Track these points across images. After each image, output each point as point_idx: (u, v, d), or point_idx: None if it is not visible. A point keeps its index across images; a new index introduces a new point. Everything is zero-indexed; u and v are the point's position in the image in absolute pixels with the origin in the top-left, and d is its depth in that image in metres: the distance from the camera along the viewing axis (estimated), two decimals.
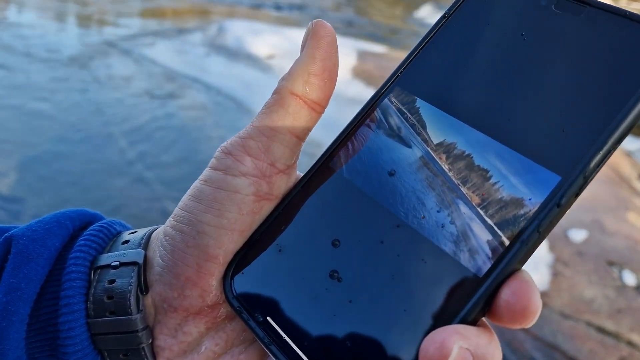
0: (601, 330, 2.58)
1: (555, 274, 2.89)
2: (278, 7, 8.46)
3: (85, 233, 0.40)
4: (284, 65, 5.63)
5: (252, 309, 0.35)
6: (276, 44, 6.06)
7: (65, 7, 7.07)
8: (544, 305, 2.68)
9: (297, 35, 6.46)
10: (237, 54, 5.74)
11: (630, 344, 2.52)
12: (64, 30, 6.21)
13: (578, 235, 3.23)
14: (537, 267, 2.91)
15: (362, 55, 5.80)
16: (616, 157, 4.78)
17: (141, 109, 4.37)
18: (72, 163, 3.47)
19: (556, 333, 2.54)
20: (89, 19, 6.84)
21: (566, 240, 3.19)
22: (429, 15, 10.56)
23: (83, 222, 0.42)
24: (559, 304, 2.70)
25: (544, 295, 2.73)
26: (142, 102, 4.49)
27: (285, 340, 0.33)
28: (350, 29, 7.81)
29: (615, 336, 2.55)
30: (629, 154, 4.96)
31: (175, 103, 4.55)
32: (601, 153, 0.30)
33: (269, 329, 0.34)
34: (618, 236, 3.31)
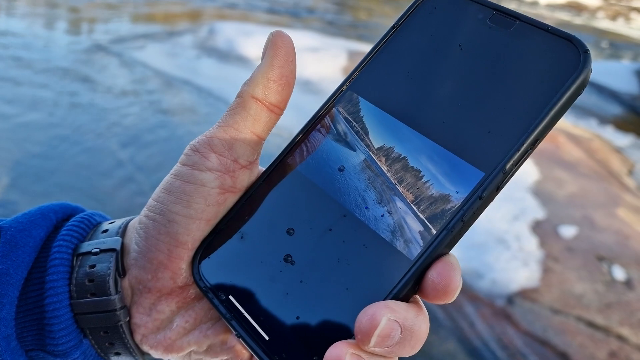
0: (591, 324, 2.60)
1: (546, 270, 2.91)
2: (270, 10, 8.47)
3: (67, 224, 0.44)
4: None
5: (216, 289, 0.39)
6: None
7: (55, 11, 7.05)
8: (534, 300, 2.70)
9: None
10: (228, 56, 5.74)
11: (619, 337, 2.54)
12: (53, 35, 6.20)
13: (568, 231, 3.25)
14: (528, 264, 2.93)
15: (352, 55, 5.82)
16: (606, 153, 4.81)
17: (132, 111, 4.36)
18: (64, 165, 3.46)
19: (546, 328, 2.55)
20: (78, 22, 6.82)
21: (556, 236, 3.21)
22: None
23: (65, 214, 0.46)
24: (549, 300, 2.71)
25: (534, 291, 2.75)
26: (132, 105, 4.48)
27: (244, 316, 0.38)
28: (339, 30, 7.82)
29: (605, 330, 2.57)
30: (618, 150, 5.00)
31: (166, 105, 4.55)
32: (519, 153, 0.34)
33: (230, 307, 0.38)
34: (608, 232, 3.34)
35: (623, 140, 5.28)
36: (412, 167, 0.37)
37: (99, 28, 6.62)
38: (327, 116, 0.42)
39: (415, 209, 0.36)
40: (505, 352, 2.42)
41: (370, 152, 0.39)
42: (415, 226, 0.35)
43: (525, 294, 2.74)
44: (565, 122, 5.51)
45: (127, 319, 0.42)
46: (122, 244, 0.43)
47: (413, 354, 0.35)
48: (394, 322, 0.32)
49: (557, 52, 0.35)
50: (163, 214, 0.40)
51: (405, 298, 0.35)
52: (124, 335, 0.42)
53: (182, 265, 0.41)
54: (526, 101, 0.35)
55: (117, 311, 0.41)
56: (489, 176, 0.34)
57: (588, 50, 0.35)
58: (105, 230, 0.44)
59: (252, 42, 6.12)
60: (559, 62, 0.35)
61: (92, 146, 3.75)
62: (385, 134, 0.39)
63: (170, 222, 0.40)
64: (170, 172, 0.41)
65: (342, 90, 0.43)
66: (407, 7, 0.43)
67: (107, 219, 0.48)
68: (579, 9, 13.16)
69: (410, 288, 0.34)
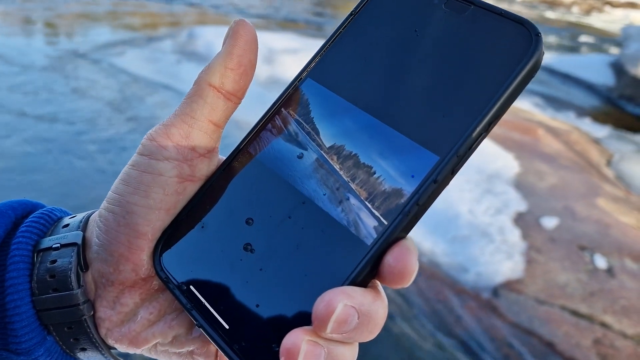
0: (575, 313, 2.64)
1: (529, 261, 2.94)
2: (251, 14, 8.45)
3: (27, 220, 0.43)
4: (256, 69, 5.61)
5: (177, 280, 0.39)
6: None
7: (32, 18, 6.96)
8: (519, 292, 2.73)
9: (268, 38, 6.46)
10: (208, 60, 5.67)
11: (603, 325, 2.57)
12: (31, 42, 6.12)
13: (550, 222, 3.30)
14: (512, 256, 2.96)
15: None
16: (585, 145, 4.88)
17: (112, 117, 4.33)
18: (44, 174, 3.43)
19: (532, 318, 2.58)
20: (56, 29, 6.75)
21: (538, 227, 3.25)
22: None
23: (25, 210, 0.45)
24: (533, 290, 2.75)
25: (519, 282, 2.78)
26: (113, 111, 4.45)
27: (205, 305, 0.38)
28: (321, 32, 7.83)
29: (589, 318, 2.61)
30: (597, 141, 5.07)
31: (147, 111, 4.53)
32: (472, 136, 0.34)
33: (191, 297, 0.38)
34: (588, 221, 3.39)
35: (601, 131, 5.36)
36: (370, 154, 0.37)
37: (77, 35, 6.56)
38: (286, 104, 0.42)
39: (372, 194, 0.36)
40: (492, 343, 2.44)
41: (327, 139, 0.39)
42: (371, 211, 0.36)
43: (510, 286, 2.77)
44: (544, 115, 5.58)
45: (91, 313, 0.41)
46: (84, 238, 0.42)
47: (371, 338, 0.35)
48: (351, 308, 0.32)
49: (509, 35, 0.36)
50: (121, 205, 0.39)
51: (363, 283, 0.35)
52: (88, 330, 0.41)
53: (143, 256, 0.40)
54: (479, 85, 0.35)
55: (80, 305, 0.40)
56: (443, 160, 0.34)
57: (540, 33, 0.35)
58: (66, 225, 0.44)
59: None
60: (511, 45, 0.35)
61: (71, 153, 3.71)
62: (343, 120, 0.39)
63: (129, 213, 0.39)
64: (128, 163, 0.41)
65: (300, 79, 0.43)
66: None
67: (68, 214, 0.47)
68: (554, 3, 13.33)
69: (367, 273, 0.34)
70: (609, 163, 4.65)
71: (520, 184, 3.73)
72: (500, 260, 2.93)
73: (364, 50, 0.40)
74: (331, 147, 0.39)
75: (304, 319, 0.34)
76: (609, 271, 2.94)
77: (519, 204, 3.45)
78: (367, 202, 0.36)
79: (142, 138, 0.41)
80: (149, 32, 6.96)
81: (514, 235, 3.13)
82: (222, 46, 0.41)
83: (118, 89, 4.93)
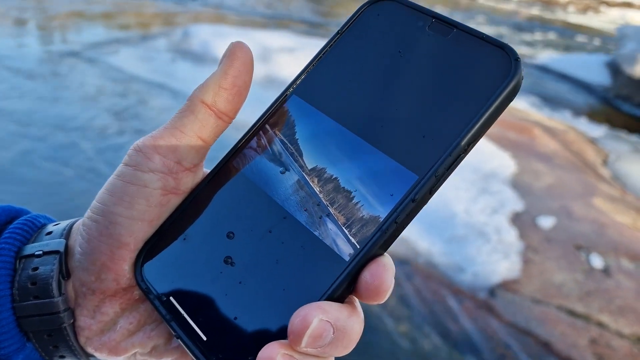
0: (572, 313, 2.64)
1: (526, 261, 2.95)
2: (246, 12, 8.44)
3: (10, 226, 0.43)
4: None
5: (157, 290, 0.40)
6: None
7: (26, 17, 6.94)
8: (516, 291, 2.73)
9: (264, 37, 6.45)
10: (203, 58, 5.70)
11: (600, 324, 2.58)
12: (25, 41, 6.10)
13: (546, 222, 3.30)
14: (508, 256, 2.96)
15: None
16: (581, 145, 4.89)
17: (107, 116, 4.32)
18: (38, 174, 3.41)
19: (528, 318, 2.58)
20: (51, 29, 6.72)
21: (535, 227, 3.25)
22: None
23: (9, 216, 0.45)
24: (530, 290, 2.75)
25: (515, 282, 2.78)
26: (107, 110, 4.43)
27: (183, 316, 0.38)
28: (317, 30, 7.83)
29: (586, 318, 2.61)
30: (593, 141, 5.08)
31: (142, 110, 4.51)
32: (451, 157, 0.35)
33: (171, 308, 0.39)
34: (585, 221, 3.39)
35: (597, 131, 5.37)
36: (352, 172, 0.38)
37: (71, 34, 6.54)
38: (271, 120, 0.43)
39: (352, 211, 0.37)
40: (489, 343, 2.44)
41: (310, 156, 0.40)
42: (350, 228, 0.36)
43: (506, 286, 2.77)
44: (540, 115, 5.59)
45: (71, 321, 0.41)
46: (67, 246, 0.42)
47: (346, 353, 0.35)
48: (326, 323, 0.33)
49: (490, 59, 0.37)
50: (105, 215, 0.40)
51: (340, 299, 0.35)
52: (68, 338, 0.41)
53: (125, 266, 0.40)
54: (460, 107, 0.36)
55: (61, 313, 0.41)
56: (421, 180, 0.35)
57: (519, 58, 0.36)
58: (50, 232, 0.44)
59: (227, 44, 6.06)
60: (491, 69, 0.36)
61: (66, 153, 3.70)
62: (326, 138, 0.40)
63: (112, 223, 0.39)
64: (114, 173, 0.41)
65: (286, 95, 0.43)
66: (352, 14, 0.44)
67: (52, 221, 0.47)
68: (550, 3, 13.37)
69: (344, 289, 0.35)
70: (605, 163, 4.66)
71: (516, 184, 3.73)
72: (497, 260, 2.93)
73: (349, 69, 0.41)
74: (313, 169, 0.39)
75: (280, 332, 0.35)
76: (605, 271, 2.95)
77: (516, 204, 3.45)
78: (346, 220, 0.37)
79: (135, 138, 0.40)
80: (143, 31, 6.94)
81: (511, 235, 3.13)
82: (218, 66, 0.42)
83: (112, 88, 4.91)
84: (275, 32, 7.13)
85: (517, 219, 3.29)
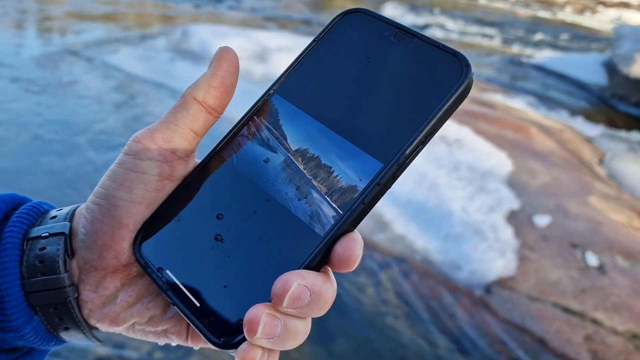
0: (567, 310, 2.66)
1: (522, 259, 2.97)
2: (244, 11, 8.44)
3: (17, 212, 0.48)
4: (250, 67, 5.62)
5: (155, 265, 0.45)
6: (241, 46, 6.04)
7: (25, 17, 6.94)
8: (512, 289, 2.75)
9: (262, 37, 6.46)
10: (202, 58, 5.71)
11: (595, 322, 2.60)
12: (24, 41, 6.10)
13: (542, 220, 3.32)
14: (504, 253, 2.98)
15: None
16: (577, 144, 4.91)
17: (106, 116, 4.33)
18: (39, 174, 3.42)
19: (524, 315, 2.60)
20: (50, 28, 6.73)
21: (531, 225, 3.27)
22: (393, 12, 10.65)
23: (14, 203, 0.49)
24: (525, 288, 2.77)
25: (511, 279, 2.80)
26: (106, 109, 4.44)
27: (179, 287, 0.43)
28: (311, 28, 7.84)
29: (581, 315, 2.63)
30: (589, 140, 5.11)
31: (141, 109, 4.52)
32: (410, 148, 0.41)
33: (167, 279, 0.44)
34: (580, 219, 3.41)
35: (593, 130, 5.40)
36: (326, 160, 0.44)
37: (70, 33, 6.54)
38: (255, 115, 0.48)
39: (326, 194, 0.43)
40: (485, 340, 2.46)
41: (290, 147, 0.46)
42: (325, 208, 0.42)
43: (502, 283, 2.79)
44: (537, 114, 5.61)
45: (76, 295, 0.46)
46: (71, 228, 0.46)
47: (321, 314, 0.41)
48: (304, 287, 0.38)
49: (445, 65, 0.43)
50: (107, 199, 0.44)
51: (317, 268, 0.41)
52: (72, 311, 0.45)
53: (125, 245, 0.45)
54: (418, 105, 0.42)
55: (66, 288, 0.45)
56: (385, 167, 0.41)
57: (469, 64, 0.42)
58: (54, 217, 0.48)
59: (226, 43, 6.07)
60: (445, 74, 0.43)
61: (66, 152, 3.71)
62: (303, 131, 0.46)
63: (114, 206, 0.44)
64: (115, 161, 0.46)
65: (269, 94, 0.49)
66: (327, 24, 0.50)
67: (54, 207, 0.51)
68: (547, 3, 13.37)
69: (320, 259, 0.41)
70: (601, 162, 4.68)
71: (513, 182, 3.75)
72: (493, 257, 2.95)
73: (323, 72, 0.47)
74: (296, 150, 0.45)
75: (265, 296, 0.40)
76: (601, 268, 2.97)
77: (512, 202, 3.47)
78: (322, 199, 0.43)
79: (132, 135, 0.46)
80: (142, 30, 6.95)
81: (507, 233, 3.15)
82: (208, 67, 0.47)
83: (111, 86, 4.92)
84: (273, 32, 7.14)
85: (513, 217, 3.31)
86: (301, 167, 0.44)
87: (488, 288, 2.76)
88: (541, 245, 3.10)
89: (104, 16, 7.39)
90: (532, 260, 2.97)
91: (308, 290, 0.38)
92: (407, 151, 0.41)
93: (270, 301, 0.38)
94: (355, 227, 0.42)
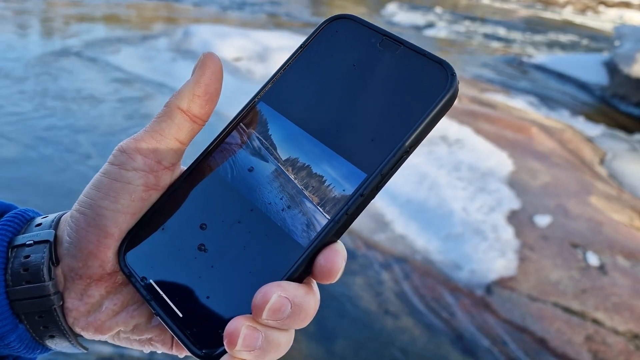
0: (567, 310, 2.66)
1: (522, 259, 2.97)
2: (245, 10, 8.44)
3: (2, 219, 0.48)
4: (251, 67, 5.63)
5: (139, 274, 0.45)
6: (242, 46, 6.05)
7: (26, 17, 6.95)
8: (512, 289, 2.76)
9: (263, 37, 6.47)
10: None
11: (595, 322, 2.60)
12: (26, 41, 6.11)
13: (543, 220, 3.32)
14: (505, 253, 2.99)
15: None
16: (578, 144, 4.91)
17: (108, 116, 4.33)
18: (40, 174, 3.43)
19: (525, 315, 2.61)
20: (51, 28, 6.73)
21: (532, 225, 3.28)
22: (395, 13, 10.65)
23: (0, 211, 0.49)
24: (526, 288, 2.77)
25: (512, 279, 2.81)
26: (108, 109, 4.45)
27: (162, 296, 0.43)
28: (312, 29, 7.84)
29: (581, 315, 2.63)
30: (590, 140, 5.10)
31: (142, 109, 4.53)
32: (394, 159, 0.40)
33: (150, 289, 0.44)
34: (581, 219, 3.41)
35: (594, 130, 5.40)
36: (310, 169, 0.43)
37: (72, 33, 6.54)
38: (240, 124, 0.48)
39: (309, 204, 0.42)
40: (486, 340, 2.46)
41: (275, 156, 0.45)
42: (308, 219, 0.42)
43: (503, 283, 2.79)
44: (538, 114, 5.61)
45: (60, 303, 0.45)
46: (56, 236, 0.46)
47: (303, 326, 0.40)
48: (284, 299, 0.38)
49: (430, 74, 0.42)
50: (92, 208, 0.44)
51: (299, 279, 0.40)
52: (57, 319, 0.45)
53: (110, 254, 0.45)
54: (403, 115, 0.41)
55: (51, 296, 0.45)
56: (369, 177, 0.41)
57: (455, 73, 0.41)
58: (39, 224, 0.48)
59: (227, 43, 6.11)
60: (431, 82, 0.42)
61: (67, 153, 3.71)
62: (288, 140, 0.45)
63: (99, 215, 0.44)
64: (100, 171, 0.46)
65: (254, 102, 0.48)
66: (313, 30, 0.49)
67: (39, 214, 0.51)
68: (548, 3, 13.37)
69: (302, 271, 0.40)
70: (602, 161, 4.68)
71: (513, 182, 3.75)
72: (494, 257, 2.95)
73: (309, 79, 0.47)
74: (281, 160, 0.45)
75: (246, 308, 0.39)
76: (601, 268, 2.97)
77: (512, 202, 3.47)
78: (305, 210, 0.42)
79: (117, 145, 0.46)
80: (144, 30, 6.96)
81: (507, 233, 3.15)
82: (191, 75, 0.46)
83: (113, 86, 4.93)
84: (273, 32, 7.14)
85: (513, 217, 3.31)
86: (286, 177, 0.44)
87: (488, 288, 2.76)
88: (542, 245, 3.11)
89: (106, 16, 7.40)
90: (532, 260, 2.97)
91: (289, 302, 0.38)
92: (391, 162, 0.41)
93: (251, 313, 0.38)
94: (338, 237, 0.41)
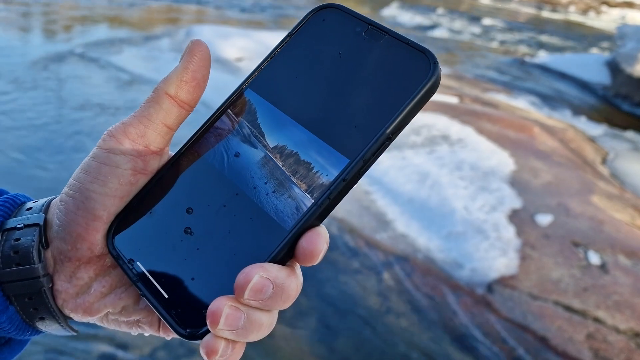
0: (568, 308, 2.66)
1: (524, 257, 2.97)
2: (248, 11, 8.45)
3: None
4: (253, 67, 5.63)
5: (126, 257, 0.46)
6: (244, 46, 6.07)
7: (30, 17, 6.97)
8: (513, 287, 2.76)
9: (265, 37, 6.48)
10: None
11: (596, 320, 2.60)
12: (29, 42, 6.13)
13: (544, 219, 3.33)
14: (506, 252, 2.99)
15: None
16: (580, 143, 4.91)
17: (110, 116, 4.35)
18: (43, 176, 3.45)
19: (526, 314, 2.61)
20: (54, 28, 6.76)
21: (533, 224, 3.28)
22: (397, 13, 10.65)
23: None
24: (527, 286, 2.78)
25: (513, 278, 2.81)
26: (111, 110, 4.47)
27: (148, 278, 0.44)
28: None
29: (582, 314, 2.64)
30: (592, 139, 5.10)
31: None
32: (376, 145, 0.41)
33: (137, 271, 0.45)
34: (582, 218, 3.42)
35: (596, 129, 5.39)
36: (295, 154, 0.44)
37: (74, 33, 6.57)
38: (228, 110, 0.49)
39: (293, 188, 0.43)
40: (487, 338, 2.47)
41: (260, 142, 0.46)
42: (292, 203, 0.43)
43: (504, 282, 2.80)
44: (540, 113, 5.61)
45: (50, 285, 0.46)
46: (45, 220, 0.47)
47: (285, 307, 0.41)
48: (266, 279, 0.39)
49: (413, 62, 0.43)
50: (81, 191, 0.45)
51: (282, 262, 0.41)
52: (47, 300, 0.46)
53: (98, 236, 0.46)
54: (386, 102, 0.42)
55: (41, 278, 0.45)
56: (351, 163, 0.42)
57: (437, 61, 0.42)
58: (30, 208, 0.49)
59: (230, 44, 6.12)
60: (413, 71, 0.43)
61: (70, 154, 3.73)
62: (274, 126, 0.46)
63: (88, 199, 0.45)
64: (89, 155, 0.46)
65: (242, 89, 0.49)
66: (301, 19, 0.50)
67: (30, 199, 0.52)
68: (551, 3, 13.35)
69: (285, 253, 0.41)
70: (604, 161, 4.68)
71: (515, 181, 3.76)
72: (495, 256, 2.96)
73: (295, 67, 0.48)
74: (266, 145, 0.46)
75: (230, 290, 0.40)
76: (602, 267, 2.97)
77: (514, 201, 3.48)
78: (289, 194, 0.43)
79: (107, 130, 0.47)
80: (146, 31, 6.98)
81: (509, 231, 3.16)
82: (179, 62, 0.47)
83: (115, 87, 4.95)
84: (276, 32, 7.16)
85: (515, 216, 3.32)
86: (270, 161, 0.45)
87: (490, 286, 2.76)
88: (543, 243, 3.11)
89: (109, 17, 7.42)
90: (534, 259, 2.97)
91: (270, 283, 0.39)
92: (372, 148, 0.41)
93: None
94: (321, 221, 0.42)
